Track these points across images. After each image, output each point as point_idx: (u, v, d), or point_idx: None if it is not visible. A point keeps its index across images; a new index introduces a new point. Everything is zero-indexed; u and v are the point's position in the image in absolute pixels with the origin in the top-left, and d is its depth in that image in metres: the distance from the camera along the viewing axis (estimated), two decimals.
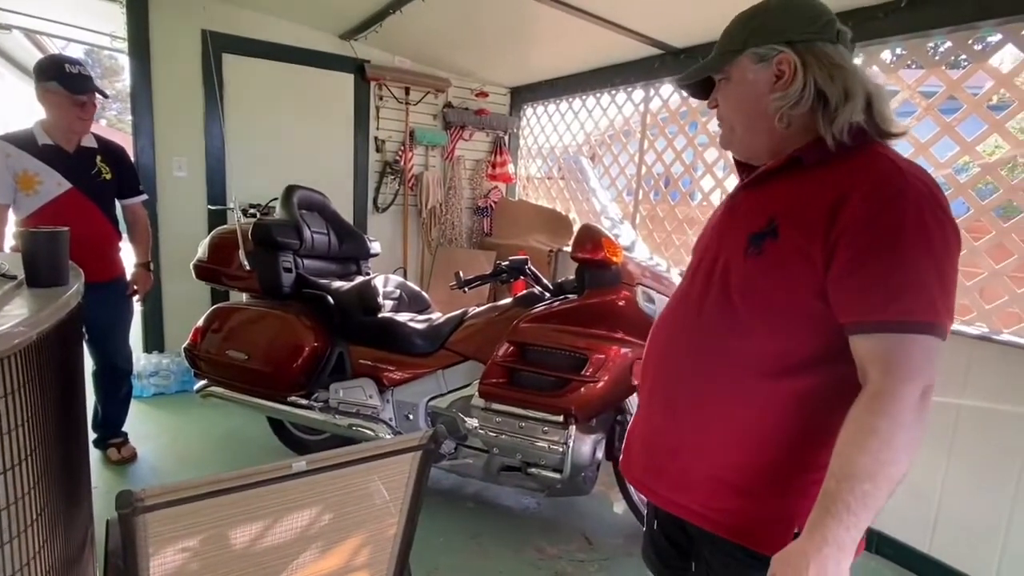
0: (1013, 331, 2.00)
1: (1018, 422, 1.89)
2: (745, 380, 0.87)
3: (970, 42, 2.12)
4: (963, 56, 2.15)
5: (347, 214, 3.93)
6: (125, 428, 2.72)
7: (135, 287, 2.60)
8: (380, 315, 2.44)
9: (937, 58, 2.21)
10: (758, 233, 0.87)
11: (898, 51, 2.38)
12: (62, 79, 2.21)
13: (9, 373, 0.90)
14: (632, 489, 2.24)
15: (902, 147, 0.93)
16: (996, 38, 2.06)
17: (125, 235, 2.61)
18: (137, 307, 2.74)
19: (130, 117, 3.37)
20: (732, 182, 3.17)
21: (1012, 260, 1.99)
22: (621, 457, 1.11)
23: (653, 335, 1.05)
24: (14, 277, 1.16)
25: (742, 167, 1.01)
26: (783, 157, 0.90)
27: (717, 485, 0.90)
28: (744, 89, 0.91)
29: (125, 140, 3.13)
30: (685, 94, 3.32)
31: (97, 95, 2.32)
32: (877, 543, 2.24)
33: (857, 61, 0.92)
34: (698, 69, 0.97)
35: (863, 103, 0.83)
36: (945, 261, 0.76)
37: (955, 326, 2.09)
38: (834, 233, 0.78)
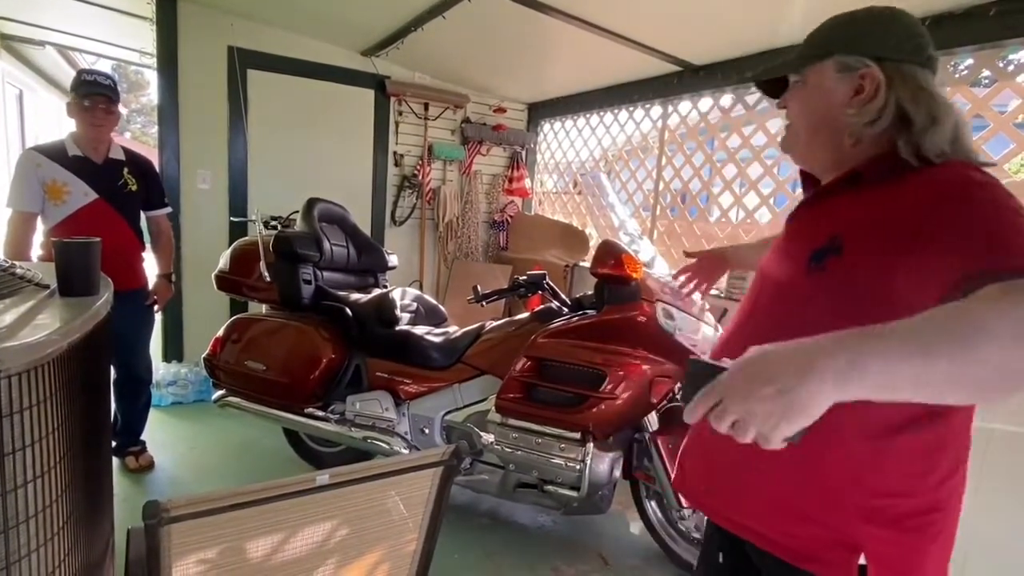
0: None
1: None
2: None
3: (995, 60, 2.10)
4: (987, 74, 2.13)
5: (365, 227, 3.96)
6: (143, 437, 2.74)
7: (155, 297, 2.64)
8: (397, 328, 2.45)
9: (958, 76, 2.20)
10: (820, 249, 0.84)
11: None
12: (76, 87, 2.30)
13: (40, 382, 0.91)
14: (649, 508, 2.21)
15: None
16: (1021, 55, 2.04)
17: (148, 246, 2.66)
18: (157, 317, 2.78)
19: (153, 130, 3.46)
20: (752, 199, 3.15)
21: None
22: (674, 474, 1.08)
23: (718, 354, 1.02)
24: (47, 286, 1.18)
25: (807, 181, 0.99)
26: (844, 173, 0.87)
27: (780, 507, 0.87)
28: (819, 96, 0.88)
29: (148, 152, 3.20)
30: (704, 109, 3.35)
31: (118, 105, 2.38)
32: None
33: None
34: (776, 67, 0.94)
35: (951, 133, 0.79)
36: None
37: None
38: (919, 241, 0.72)
